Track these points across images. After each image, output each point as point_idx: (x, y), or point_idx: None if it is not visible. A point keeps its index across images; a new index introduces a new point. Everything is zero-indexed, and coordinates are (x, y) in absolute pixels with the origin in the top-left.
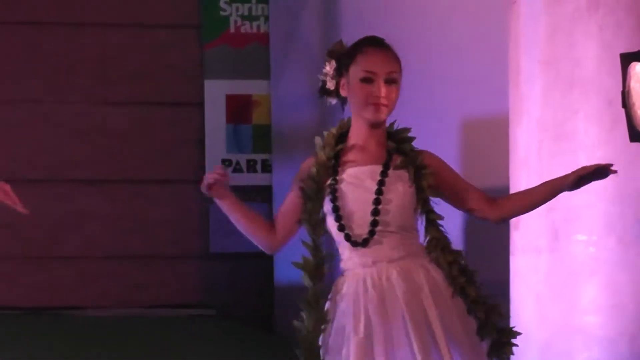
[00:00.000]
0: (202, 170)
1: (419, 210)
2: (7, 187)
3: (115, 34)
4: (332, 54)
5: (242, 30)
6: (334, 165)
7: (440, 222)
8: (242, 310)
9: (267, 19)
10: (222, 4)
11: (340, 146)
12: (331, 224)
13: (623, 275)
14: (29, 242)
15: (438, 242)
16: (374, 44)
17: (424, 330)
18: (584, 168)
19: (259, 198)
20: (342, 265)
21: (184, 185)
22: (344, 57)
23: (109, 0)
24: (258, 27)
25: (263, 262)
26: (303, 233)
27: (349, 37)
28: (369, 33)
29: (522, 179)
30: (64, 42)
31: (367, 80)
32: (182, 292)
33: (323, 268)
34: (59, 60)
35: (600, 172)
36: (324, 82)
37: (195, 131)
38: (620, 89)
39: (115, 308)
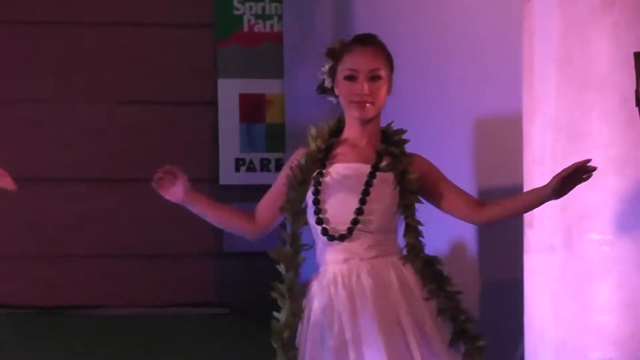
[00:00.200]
0: (216, 169)
1: (398, 214)
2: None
3: (129, 33)
4: (328, 53)
5: (256, 29)
6: (322, 158)
7: (420, 227)
8: (256, 309)
9: (280, 18)
10: (235, 3)
11: (333, 139)
12: (310, 216)
13: (637, 274)
14: (43, 241)
15: (413, 248)
16: (361, 41)
17: (394, 327)
18: (563, 170)
19: None
20: (317, 259)
21: (198, 184)
22: (336, 56)
23: (123, 0)
24: (271, 26)
25: None
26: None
27: None
28: (383, 32)
29: (535, 178)
30: (76, 41)
31: (350, 78)
32: (196, 290)
33: (299, 258)
34: (73, 59)
35: (581, 171)
36: (323, 81)
37: (208, 130)
38: (634, 87)
39: (129, 307)
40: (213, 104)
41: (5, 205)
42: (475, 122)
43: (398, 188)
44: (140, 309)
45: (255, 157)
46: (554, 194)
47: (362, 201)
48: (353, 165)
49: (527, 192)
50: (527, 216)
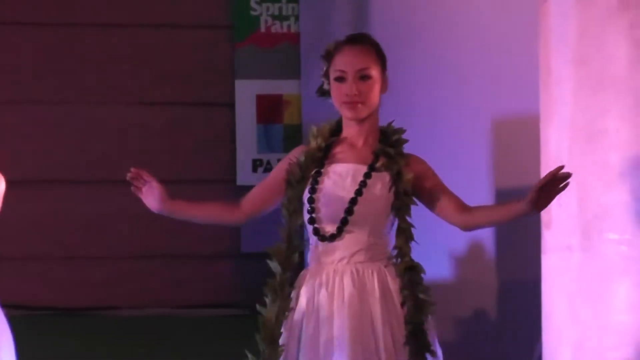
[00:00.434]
0: (233, 170)
1: (391, 216)
2: None
3: (147, 35)
4: (324, 55)
5: (273, 30)
6: (322, 157)
7: (412, 230)
8: None
9: (297, 18)
10: (252, 4)
11: (333, 138)
12: (305, 214)
13: None
14: (62, 242)
15: (399, 252)
16: (350, 41)
17: (366, 336)
18: (539, 181)
19: None
20: (309, 257)
21: (215, 185)
22: (329, 58)
23: (140, 1)
24: (288, 26)
25: None
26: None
27: (379, 36)
28: (399, 32)
29: None
30: (96, 42)
31: (339, 79)
32: (215, 292)
33: (294, 256)
34: (92, 61)
35: (557, 179)
36: (322, 84)
37: (226, 131)
38: None
39: (148, 308)
40: (230, 105)
41: (27, 206)
42: (492, 123)
43: (393, 189)
44: (159, 309)
45: (273, 157)
46: (531, 206)
47: (353, 201)
48: (350, 165)
49: (508, 205)
50: (544, 216)
